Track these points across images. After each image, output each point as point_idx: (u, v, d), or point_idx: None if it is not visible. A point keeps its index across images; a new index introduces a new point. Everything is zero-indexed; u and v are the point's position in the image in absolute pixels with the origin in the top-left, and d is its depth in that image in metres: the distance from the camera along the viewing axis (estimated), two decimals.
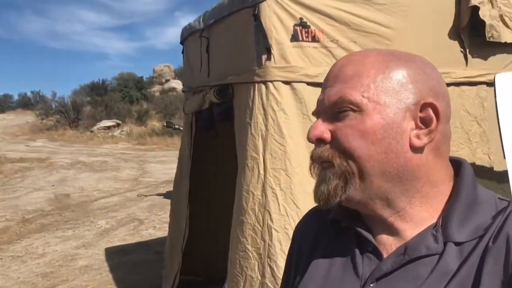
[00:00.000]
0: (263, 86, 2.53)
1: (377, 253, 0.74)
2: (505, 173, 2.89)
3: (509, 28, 2.98)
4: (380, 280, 0.72)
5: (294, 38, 2.54)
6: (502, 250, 0.65)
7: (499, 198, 0.73)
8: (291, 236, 2.46)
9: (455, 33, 2.88)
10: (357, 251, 0.77)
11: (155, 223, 6.86)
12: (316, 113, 0.78)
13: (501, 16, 2.92)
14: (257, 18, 2.52)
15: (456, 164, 0.77)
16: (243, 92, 2.72)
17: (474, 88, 2.91)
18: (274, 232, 2.41)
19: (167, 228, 6.60)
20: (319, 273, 0.79)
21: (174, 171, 12.30)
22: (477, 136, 2.88)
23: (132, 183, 10.46)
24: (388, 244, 0.75)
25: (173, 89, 37.63)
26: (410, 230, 0.73)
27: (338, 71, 0.75)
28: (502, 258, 0.64)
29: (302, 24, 2.55)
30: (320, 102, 0.77)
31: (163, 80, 41.86)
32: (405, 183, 0.71)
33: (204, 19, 3.26)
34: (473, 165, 2.84)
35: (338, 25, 2.62)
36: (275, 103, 2.50)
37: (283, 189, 2.44)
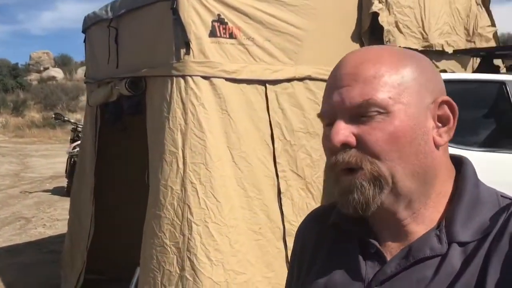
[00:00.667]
0: (181, 81, 2.53)
1: (380, 256, 0.73)
2: None
3: (402, 33, 3.30)
4: (384, 283, 0.71)
5: (212, 34, 2.58)
6: (505, 250, 0.65)
7: (501, 195, 0.73)
8: (211, 229, 2.50)
9: (357, 37, 3.11)
10: (359, 255, 0.75)
11: (44, 221, 6.44)
12: (328, 115, 0.73)
13: (396, 23, 3.22)
14: (175, 12, 2.51)
15: (455, 161, 0.77)
16: (158, 85, 2.69)
17: None
18: (194, 226, 2.43)
19: (59, 226, 6.28)
20: (322, 279, 0.78)
21: (60, 165, 11.59)
22: None
23: (13, 179, 9.67)
24: (392, 246, 0.73)
25: (53, 78, 35.24)
26: (420, 232, 0.72)
27: (355, 69, 0.70)
28: (502, 258, 0.64)
29: (220, 20, 2.59)
30: (337, 103, 0.70)
31: (41, 68, 38.94)
32: (427, 183, 0.71)
33: (112, 9, 3.14)
34: None
35: (253, 23, 2.70)
36: (194, 97, 2.51)
37: (203, 183, 2.47)
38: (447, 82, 3.05)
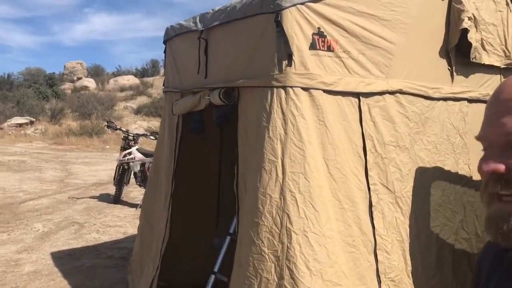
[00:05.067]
0: (282, 91, 2.57)
1: None
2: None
3: (486, 51, 3.29)
4: None
5: (312, 46, 2.62)
6: None
7: None
8: (310, 239, 2.52)
9: (444, 52, 3.12)
10: None
11: (97, 227, 6.55)
12: (488, 143, 0.75)
13: (481, 40, 3.22)
14: (279, 24, 2.56)
15: None
16: (254, 95, 2.74)
17: (457, 103, 3.18)
18: (293, 235, 2.45)
19: (112, 232, 6.39)
20: None
21: (102, 173, 11.83)
22: (459, 148, 3.14)
23: (59, 184, 9.88)
24: None
25: (85, 87, 36.22)
26: None
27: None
28: None
29: (320, 33, 2.64)
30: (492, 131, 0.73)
31: (75, 78, 40.07)
32: None
33: (202, 21, 3.23)
34: (456, 174, 3.10)
35: (349, 36, 2.73)
36: (294, 108, 2.55)
37: (302, 192, 2.50)
38: None
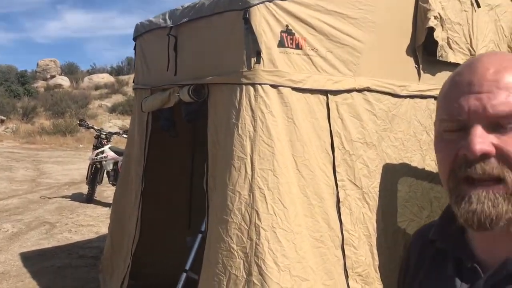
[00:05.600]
0: (251, 88, 2.58)
1: (475, 272, 0.71)
2: None
3: (452, 49, 3.36)
4: None
5: (281, 44, 2.63)
6: None
7: None
8: (278, 235, 2.54)
9: (411, 50, 3.17)
10: (455, 276, 0.74)
11: (69, 227, 6.46)
12: (457, 119, 0.70)
13: (447, 39, 3.29)
14: (247, 21, 2.57)
15: None
16: (223, 92, 2.75)
17: (424, 101, 3.23)
18: (262, 231, 2.46)
19: (84, 232, 6.31)
20: None
21: (75, 172, 11.66)
22: (426, 144, 3.20)
23: (31, 184, 9.69)
24: (489, 262, 0.71)
25: (59, 85, 35.57)
26: None
27: (496, 76, 0.68)
28: None
29: (288, 31, 2.66)
30: (474, 108, 0.68)
31: (48, 76, 39.31)
32: None
33: (171, 17, 3.22)
34: (423, 170, 3.16)
35: (318, 34, 2.76)
36: (263, 105, 2.56)
37: (271, 189, 2.51)
38: None
